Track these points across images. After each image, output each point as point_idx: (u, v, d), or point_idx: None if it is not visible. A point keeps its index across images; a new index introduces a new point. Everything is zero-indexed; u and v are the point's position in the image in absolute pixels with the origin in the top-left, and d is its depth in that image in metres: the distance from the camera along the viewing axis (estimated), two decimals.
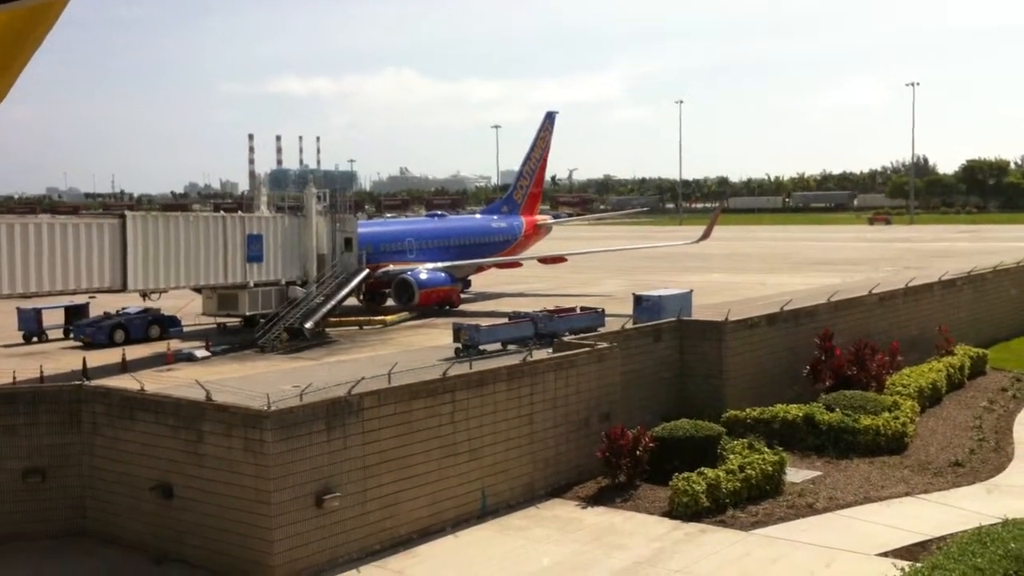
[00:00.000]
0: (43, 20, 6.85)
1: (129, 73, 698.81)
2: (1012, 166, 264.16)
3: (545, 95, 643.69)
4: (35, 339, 50.80)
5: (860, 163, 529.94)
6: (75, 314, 52.36)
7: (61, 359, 44.48)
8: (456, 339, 43.07)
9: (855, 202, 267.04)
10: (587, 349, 37.61)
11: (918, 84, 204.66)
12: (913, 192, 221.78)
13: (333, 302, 51.19)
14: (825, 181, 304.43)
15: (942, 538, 28.81)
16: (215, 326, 53.20)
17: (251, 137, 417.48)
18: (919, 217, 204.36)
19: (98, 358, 43.18)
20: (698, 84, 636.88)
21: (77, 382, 33.32)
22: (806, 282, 69.34)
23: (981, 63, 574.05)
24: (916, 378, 45.76)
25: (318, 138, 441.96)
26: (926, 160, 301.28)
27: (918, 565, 24.43)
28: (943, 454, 38.57)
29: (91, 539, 31.52)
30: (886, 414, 39.74)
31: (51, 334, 51.46)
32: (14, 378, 37.22)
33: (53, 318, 52.07)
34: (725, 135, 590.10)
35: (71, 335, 50.71)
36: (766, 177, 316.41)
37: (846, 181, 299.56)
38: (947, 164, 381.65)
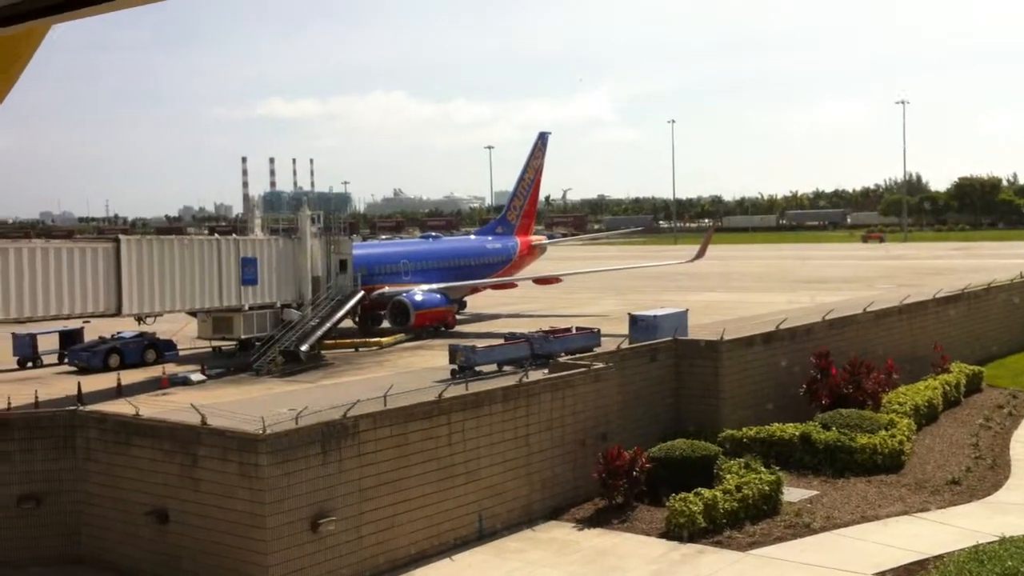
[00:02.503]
0: (23, 50, 6.85)
1: (121, 98, 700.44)
2: (1004, 183, 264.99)
3: (535, 116, 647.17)
4: (30, 364, 50.63)
5: (853, 181, 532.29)
6: (70, 339, 52.16)
7: (56, 384, 44.31)
8: (452, 360, 43.04)
9: (848, 220, 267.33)
10: (583, 370, 37.58)
11: (908, 102, 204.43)
12: (906, 210, 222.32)
13: (328, 324, 51.08)
14: (818, 199, 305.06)
15: (939, 557, 28.77)
16: (210, 350, 53.10)
17: (244, 160, 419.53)
18: (912, 235, 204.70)
19: (93, 383, 43.02)
20: (689, 103, 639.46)
21: (72, 407, 33.21)
22: (801, 300, 69.38)
23: (973, 80, 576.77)
24: (912, 396, 45.75)
25: (311, 160, 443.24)
26: (919, 177, 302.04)
27: None
28: (940, 472, 38.54)
29: (86, 566, 31.40)
30: (883, 432, 39.72)
31: (46, 359, 51.31)
32: (9, 404, 37.02)
33: (48, 343, 51.92)
34: (718, 154, 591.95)
35: (66, 360, 50.52)
36: (759, 196, 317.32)
37: (839, 199, 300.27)
38: (940, 181, 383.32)
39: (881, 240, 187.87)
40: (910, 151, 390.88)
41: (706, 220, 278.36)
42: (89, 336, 52.37)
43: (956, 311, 60.68)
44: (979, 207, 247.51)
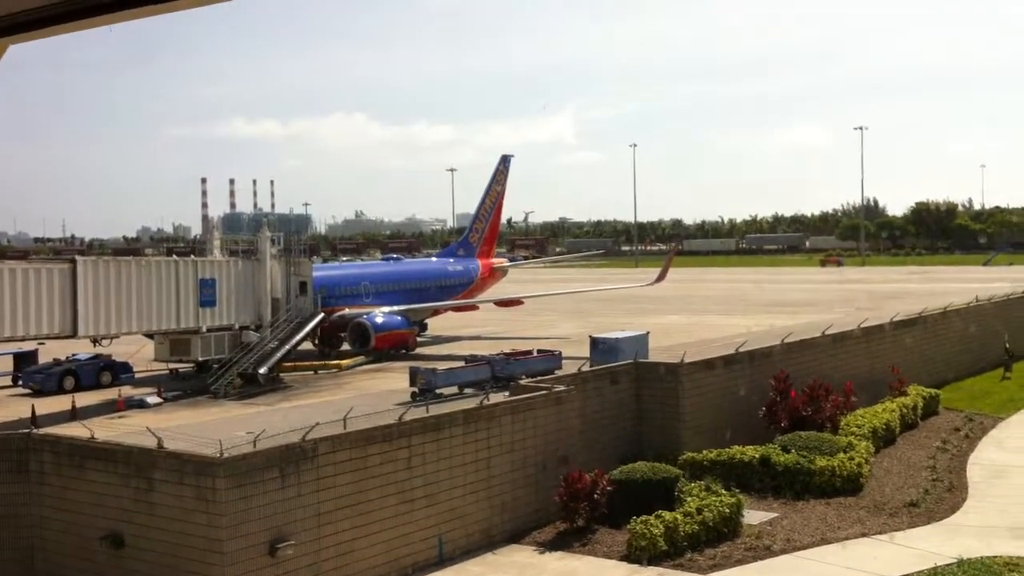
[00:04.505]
0: None
1: (77, 117, 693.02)
2: (960, 208, 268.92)
3: (496, 139, 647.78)
4: None
5: (811, 205, 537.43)
6: (24, 361, 51.44)
7: (9, 407, 43.64)
8: (412, 383, 42.84)
9: (807, 244, 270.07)
10: (544, 392, 37.53)
11: (866, 128, 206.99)
12: (863, 234, 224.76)
13: (288, 347, 50.69)
14: (777, 223, 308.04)
15: None
16: (167, 372, 52.53)
17: (204, 180, 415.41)
18: (870, 259, 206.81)
19: (47, 405, 42.41)
20: (649, 127, 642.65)
21: (25, 430, 32.68)
22: (760, 323, 69.74)
23: (930, 107, 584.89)
24: (870, 418, 46.06)
25: (272, 181, 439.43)
26: (876, 202, 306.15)
27: None
28: (898, 494, 38.79)
29: None
30: (841, 455, 39.94)
31: None
32: None
33: (2, 365, 51.16)
34: (679, 178, 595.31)
35: (20, 382, 49.79)
36: (719, 219, 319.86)
37: (798, 223, 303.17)
38: (897, 206, 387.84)
39: (839, 264, 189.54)
40: (868, 176, 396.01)
41: (661, 246, 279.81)
42: (44, 358, 51.69)
43: (913, 335, 61.27)
44: (935, 232, 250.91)
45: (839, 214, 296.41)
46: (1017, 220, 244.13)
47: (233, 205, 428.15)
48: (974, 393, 59.89)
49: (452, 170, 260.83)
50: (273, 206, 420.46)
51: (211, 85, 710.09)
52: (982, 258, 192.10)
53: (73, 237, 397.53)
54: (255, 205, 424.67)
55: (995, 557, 29.64)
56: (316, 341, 61.56)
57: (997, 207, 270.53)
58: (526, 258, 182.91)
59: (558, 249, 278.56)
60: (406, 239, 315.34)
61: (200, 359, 49.74)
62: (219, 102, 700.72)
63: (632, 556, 32.00)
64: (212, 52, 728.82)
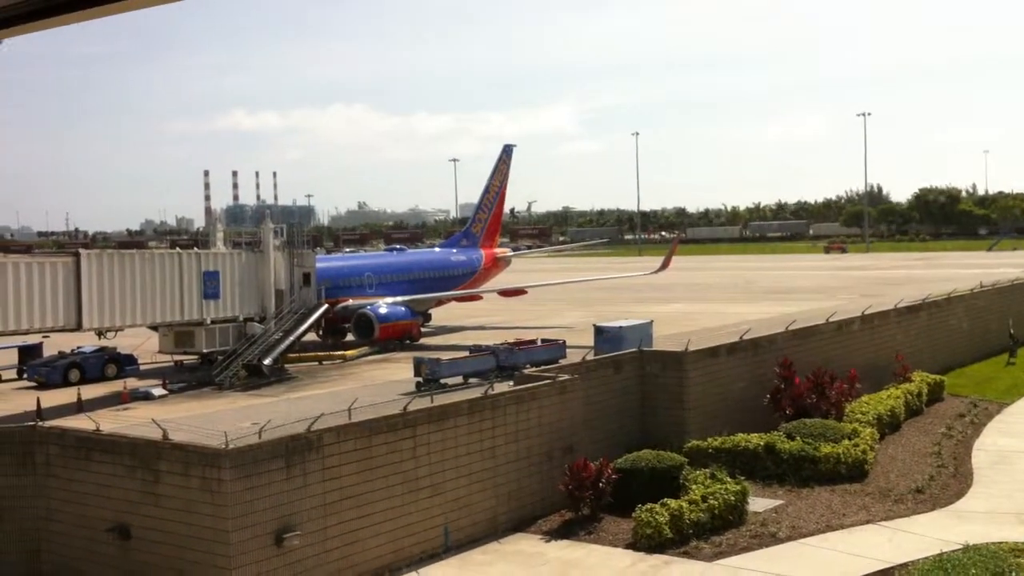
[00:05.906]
0: None
1: (80, 111, 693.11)
2: (963, 194, 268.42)
3: (497, 128, 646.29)
4: None
5: (815, 192, 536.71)
6: (29, 354, 51.59)
7: (15, 400, 43.75)
8: (417, 373, 42.91)
9: (811, 231, 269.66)
10: (548, 381, 37.54)
11: (869, 115, 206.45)
12: (867, 221, 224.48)
13: (292, 338, 50.79)
14: (781, 211, 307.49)
15: (904, 565, 28.91)
16: (172, 364, 52.63)
17: (206, 173, 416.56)
18: (874, 245, 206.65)
19: (53, 398, 42.52)
20: (651, 116, 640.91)
21: (31, 423, 32.75)
22: (764, 311, 69.77)
23: (930, 93, 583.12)
24: (875, 405, 46.04)
25: (275, 173, 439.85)
26: (880, 189, 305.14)
27: None
28: (903, 481, 38.78)
29: None
30: (846, 442, 39.93)
31: (5, 375, 50.66)
32: None
33: (6, 358, 51.28)
34: (681, 166, 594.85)
35: (25, 375, 49.93)
36: (723, 207, 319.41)
37: (801, 210, 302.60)
38: (900, 192, 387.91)
39: (843, 251, 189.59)
40: (871, 164, 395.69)
41: (664, 234, 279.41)
42: (49, 351, 51.81)
43: (917, 321, 61.19)
44: (939, 218, 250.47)
45: (842, 201, 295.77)
46: (1021, 205, 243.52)
47: (236, 197, 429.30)
48: (979, 379, 59.83)
49: (454, 160, 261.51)
50: (276, 198, 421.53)
51: (211, 77, 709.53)
52: (986, 243, 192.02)
53: (77, 230, 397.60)
54: (258, 197, 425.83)
55: (1001, 543, 29.64)
56: (320, 332, 61.69)
57: (1001, 192, 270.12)
58: (529, 247, 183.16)
59: (561, 238, 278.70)
60: (409, 229, 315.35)
61: (205, 351, 49.88)
62: (219, 94, 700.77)
63: (638, 544, 32.03)
64: (211, 45, 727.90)
